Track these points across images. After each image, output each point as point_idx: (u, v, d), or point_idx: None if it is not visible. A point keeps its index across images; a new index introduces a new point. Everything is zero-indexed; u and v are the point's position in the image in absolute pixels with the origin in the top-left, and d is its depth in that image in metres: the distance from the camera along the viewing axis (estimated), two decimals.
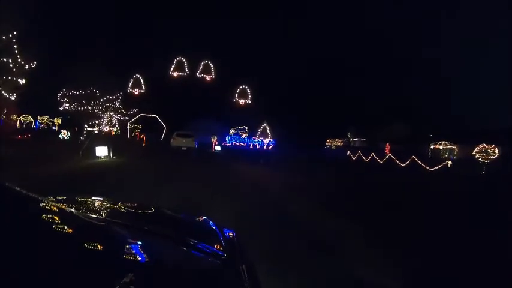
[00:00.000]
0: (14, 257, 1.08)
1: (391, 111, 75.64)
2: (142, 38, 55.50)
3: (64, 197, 2.35)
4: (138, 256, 1.50)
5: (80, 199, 2.48)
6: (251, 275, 1.77)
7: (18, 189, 1.52)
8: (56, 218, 1.52)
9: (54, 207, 1.70)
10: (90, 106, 29.10)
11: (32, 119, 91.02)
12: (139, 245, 1.63)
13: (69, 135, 36.76)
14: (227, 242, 2.10)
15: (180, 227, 2.45)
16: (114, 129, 68.26)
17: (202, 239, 1.94)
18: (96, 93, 28.40)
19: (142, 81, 35.97)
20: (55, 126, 74.07)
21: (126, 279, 1.13)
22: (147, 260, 1.50)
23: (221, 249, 1.91)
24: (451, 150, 55.14)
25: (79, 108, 28.94)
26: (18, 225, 1.26)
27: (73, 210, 1.84)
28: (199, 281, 1.51)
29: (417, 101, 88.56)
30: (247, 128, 61.12)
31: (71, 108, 29.08)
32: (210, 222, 2.50)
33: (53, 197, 2.15)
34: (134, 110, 45.64)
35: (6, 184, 1.51)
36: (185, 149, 29.32)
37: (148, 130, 68.26)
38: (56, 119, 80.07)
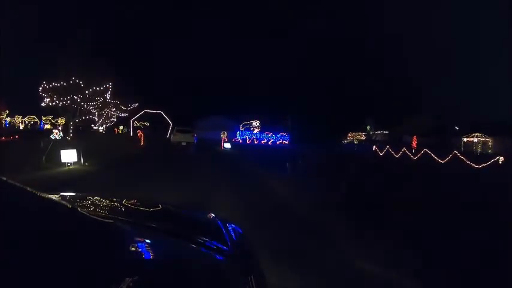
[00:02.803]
0: (14, 255, 1.04)
1: (411, 102, 70.79)
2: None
3: (68, 194, 2.38)
4: (144, 254, 1.51)
5: (84, 197, 2.46)
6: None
7: (20, 185, 1.42)
8: (58, 214, 1.44)
9: (58, 204, 1.67)
10: (78, 99, 24.62)
11: (37, 120, 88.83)
12: (146, 243, 1.63)
13: (61, 135, 34.27)
14: (234, 240, 2.07)
15: (187, 224, 2.39)
16: (121, 127, 64.56)
17: (209, 236, 1.94)
18: (81, 84, 23.96)
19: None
20: (59, 126, 70.88)
21: (123, 285, 1.10)
22: (153, 258, 1.50)
23: (227, 247, 1.87)
24: (485, 143, 49.71)
25: (61, 103, 24.50)
26: (19, 222, 1.20)
27: (77, 207, 1.73)
28: (206, 278, 1.51)
29: (439, 92, 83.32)
30: (259, 122, 56.48)
31: (52, 103, 24.70)
32: (218, 221, 2.40)
33: (57, 194, 2.07)
34: (134, 105, 41.00)
35: (8, 180, 1.39)
36: (185, 144, 30.14)
37: (151, 127, 64.45)
38: (59, 118, 77.31)
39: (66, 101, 24.35)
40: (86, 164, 14.16)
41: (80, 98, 24.68)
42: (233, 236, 2.14)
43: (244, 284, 1.59)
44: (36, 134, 47.54)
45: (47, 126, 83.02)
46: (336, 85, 63.33)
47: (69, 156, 13.59)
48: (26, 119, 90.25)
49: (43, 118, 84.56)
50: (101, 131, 42.32)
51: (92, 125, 39.02)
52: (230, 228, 2.27)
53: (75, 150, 13.73)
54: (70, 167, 13.29)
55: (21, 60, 34.60)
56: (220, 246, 1.82)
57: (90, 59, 24.77)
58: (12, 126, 78.63)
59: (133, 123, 57.95)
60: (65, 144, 15.40)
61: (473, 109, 69.52)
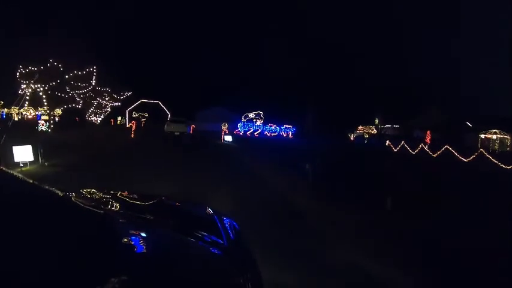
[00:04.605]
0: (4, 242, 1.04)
1: (422, 94, 67.76)
2: None
3: (67, 188, 2.11)
4: (137, 248, 1.45)
5: (81, 189, 2.36)
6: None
7: (15, 174, 1.41)
8: (50, 203, 1.38)
9: (52, 194, 1.55)
10: (55, 84, 21.54)
11: (34, 111, 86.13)
12: (141, 236, 1.57)
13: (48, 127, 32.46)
14: (231, 237, 2.02)
15: (185, 218, 2.33)
16: (120, 118, 61.42)
17: (206, 230, 1.90)
18: (59, 67, 20.91)
19: None
20: (56, 117, 68.80)
21: (109, 286, 1.08)
22: (148, 252, 1.45)
23: (223, 241, 1.85)
24: (503, 140, 46.30)
25: (40, 89, 21.49)
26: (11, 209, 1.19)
27: (71, 196, 1.68)
28: (203, 271, 1.47)
29: (449, 86, 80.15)
30: (262, 113, 53.27)
31: (29, 89, 21.71)
32: (215, 216, 2.35)
33: (55, 187, 1.79)
34: (127, 93, 37.91)
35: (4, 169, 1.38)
36: (178, 133, 30.29)
37: (149, 118, 61.48)
38: (56, 110, 75.45)
39: (44, 87, 21.37)
40: (46, 163, 11.17)
41: (58, 83, 21.65)
42: (230, 232, 2.10)
43: (239, 278, 1.55)
44: (26, 126, 44.81)
45: (44, 117, 79.74)
46: (346, 77, 60.33)
47: (23, 153, 10.63)
48: (22, 109, 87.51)
49: (39, 109, 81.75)
50: (94, 121, 39.51)
51: (90, 116, 36.26)
52: (227, 223, 2.25)
53: (30, 146, 10.73)
54: (23, 169, 10.33)
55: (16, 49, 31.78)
56: (216, 240, 1.82)
57: (80, 43, 21.89)
58: (10, 118, 75.90)
59: (129, 114, 54.90)
60: (48, 136, 12.34)
61: (484, 104, 66.57)
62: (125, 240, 1.43)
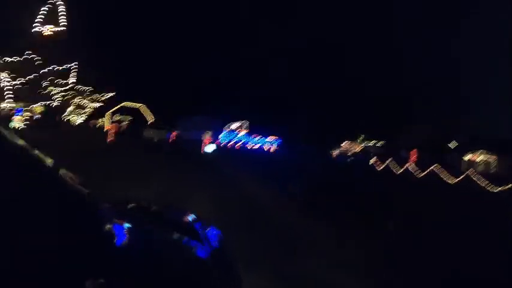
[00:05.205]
0: None
1: (408, 108, 67.96)
2: None
3: None
4: (118, 238, 1.37)
5: None
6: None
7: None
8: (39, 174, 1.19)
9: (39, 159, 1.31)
10: (31, 79, 20.26)
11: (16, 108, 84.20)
12: (125, 227, 1.50)
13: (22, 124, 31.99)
14: (213, 245, 2.02)
15: (164, 222, 2.22)
16: (100, 120, 59.68)
17: (186, 235, 1.88)
18: (34, 60, 19.60)
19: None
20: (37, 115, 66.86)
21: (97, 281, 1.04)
22: (129, 246, 1.39)
23: (204, 247, 1.86)
24: (489, 161, 46.17)
25: (12, 83, 20.15)
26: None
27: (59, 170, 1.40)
28: (184, 274, 1.46)
29: (436, 105, 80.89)
30: (248, 123, 52.09)
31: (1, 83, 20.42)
32: (197, 223, 2.29)
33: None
34: (109, 95, 36.56)
35: None
36: (156, 140, 29.58)
37: (131, 122, 60.04)
38: (35, 106, 73.65)
39: (17, 81, 20.07)
40: None
41: (35, 77, 20.36)
42: (213, 240, 2.09)
43: (220, 284, 1.57)
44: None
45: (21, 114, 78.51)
46: (334, 91, 60.32)
47: None
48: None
49: (21, 104, 79.62)
50: (74, 122, 38.12)
51: (69, 116, 34.94)
52: (210, 231, 2.22)
53: None
54: None
55: None
56: (198, 245, 1.81)
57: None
58: None
59: (111, 116, 53.36)
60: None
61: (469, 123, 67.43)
62: (108, 227, 1.33)
